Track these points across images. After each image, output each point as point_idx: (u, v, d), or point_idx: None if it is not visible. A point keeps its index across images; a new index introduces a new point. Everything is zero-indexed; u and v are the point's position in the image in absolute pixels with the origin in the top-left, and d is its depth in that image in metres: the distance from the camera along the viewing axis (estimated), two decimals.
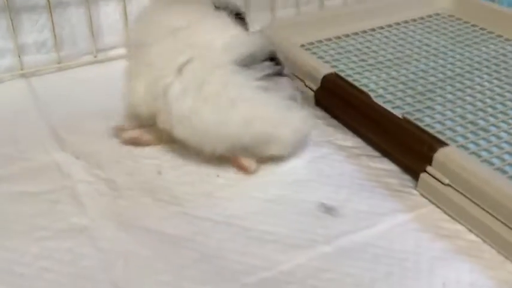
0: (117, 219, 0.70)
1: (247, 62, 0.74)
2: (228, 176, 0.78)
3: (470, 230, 0.69)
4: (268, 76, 0.74)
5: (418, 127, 0.80)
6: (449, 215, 0.71)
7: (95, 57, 1.05)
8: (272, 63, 0.76)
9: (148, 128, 0.82)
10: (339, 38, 1.13)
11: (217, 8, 0.79)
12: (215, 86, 0.72)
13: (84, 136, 0.85)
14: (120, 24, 1.06)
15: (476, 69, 1.02)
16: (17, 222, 0.69)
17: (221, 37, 0.75)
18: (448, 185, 0.72)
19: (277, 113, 0.75)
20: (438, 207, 0.73)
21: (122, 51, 1.07)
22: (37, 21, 1.01)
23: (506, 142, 0.81)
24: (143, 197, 0.74)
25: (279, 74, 0.77)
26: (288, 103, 0.76)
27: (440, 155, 0.73)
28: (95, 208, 0.72)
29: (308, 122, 0.79)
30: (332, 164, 0.81)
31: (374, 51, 1.08)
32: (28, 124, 0.88)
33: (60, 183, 0.76)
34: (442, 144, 0.75)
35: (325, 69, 0.94)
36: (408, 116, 0.84)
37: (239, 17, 0.80)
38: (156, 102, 0.75)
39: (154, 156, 0.82)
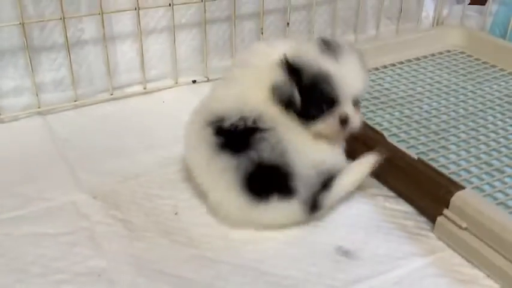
0: (134, 262, 0.70)
1: None
2: None
3: (488, 276, 0.69)
4: None
5: (433, 169, 0.80)
6: (467, 260, 0.71)
7: (111, 94, 1.07)
8: None
9: None
10: None
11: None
12: None
13: (101, 175, 0.86)
14: (136, 62, 1.08)
15: (489, 107, 1.02)
16: (36, 264, 0.70)
17: None
18: (465, 229, 0.72)
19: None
20: (456, 251, 0.73)
21: (137, 88, 1.10)
22: (55, 60, 1.03)
23: None
24: (160, 239, 0.74)
25: None
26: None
27: (457, 198, 0.73)
28: (113, 250, 0.72)
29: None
30: (349, 205, 0.81)
31: (386, 89, 1.09)
32: (45, 163, 0.89)
33: (78, 224, 0.76)
34: (459, 187, 0.75)
35: None
36: (422, 156, 0.85)
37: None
38: None
39: (171, 196, 0.82)
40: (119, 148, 0.93)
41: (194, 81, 1.14)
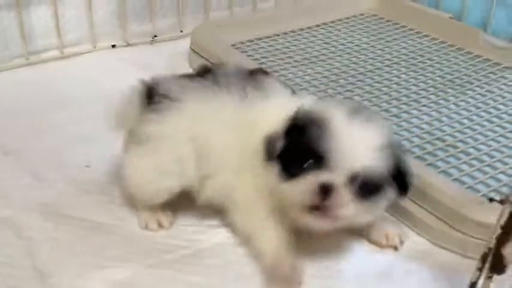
0: (42, 209, 0.72)
1: None
2: None
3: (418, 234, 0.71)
4: None
5: None
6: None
7: (27, 59, 1.07)
8: None
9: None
10: (268, 37, 1.18)
11: None
12: None
13: (13, 134, 0.87)
14: (52, 27, 1.08)
15: (395, 63, 1.08)
16: None
17: None
18: None
19: None
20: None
21: (54, 53, 1.10)
22: None
23: (416, 127, 0.88)
24: (70, 188, 0.76)
25: None
26: None
27: None
28: (20, 199, 0.73)
29: None
30: None
31: (301, 49, 1.14)
32: None
33: None
34: None
35: (251, 65, 0.98)
36: None
37: None
38: None
39: (83, 152, 0.84)
40: (33, 109, 0.94)
41: (113, 46, 1.15)
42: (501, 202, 0.49)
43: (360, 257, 0.67)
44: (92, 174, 0.79)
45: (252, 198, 0.62)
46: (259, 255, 0.63)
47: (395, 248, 0.68)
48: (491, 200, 0.51)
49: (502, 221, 0.49)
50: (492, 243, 0.50)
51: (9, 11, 1.05)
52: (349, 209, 0.56)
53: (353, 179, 0.55)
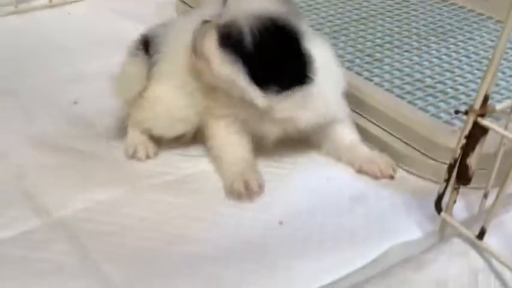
0: (29, 140, 0.74)
1: None
2: None
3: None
4: None
5: None
6: None
7: (16, 7, 1.08)
8: None
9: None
10: None
11: None
12: None
13: (4, 74, 0.89)
14: None
15: (380, 13, 1.09)
16: None
17: None
18: None
19: None
20: None
21: (42, 2, 1.11)
22: None
23: (397, 70, 0.89)
24: (58, 121, 0.78)
25: None
26: None
27: None
28: (11, 133, 0.76)
29: None
30: None
31: None
32: None
33: None
34: None
35: None
36: None
37: None
38: None
39: (71, 90, 0.86)
40: (22, 53, 0.96)
41: None
42: (465, 113, 0.51)
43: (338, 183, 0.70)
44: (80, 110, 0.81)
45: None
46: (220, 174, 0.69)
47: (392, 177, 0.70)
48: (457, 112, 0.53)
49: (466, 131, 0.51)
50: (457, 153, 0.52)
51: None
52: (211, 50, 0.63)
53: (221, 28, 0.62)
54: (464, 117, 0.52)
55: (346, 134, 0.73)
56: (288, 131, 0.69)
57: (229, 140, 0.69)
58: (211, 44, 0.63)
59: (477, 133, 0.51)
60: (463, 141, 0.52)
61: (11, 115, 0.80)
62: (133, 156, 0.72)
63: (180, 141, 0.73)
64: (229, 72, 0.62)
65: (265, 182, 0.68)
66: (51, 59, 0.94)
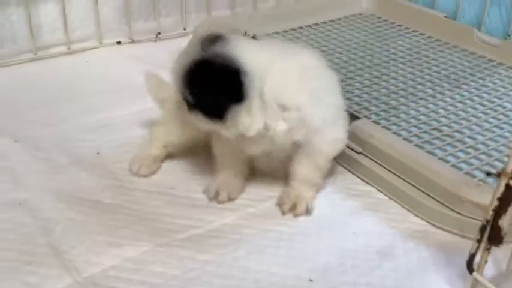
0: (55, 192, 0.74)
1: None
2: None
3: (379, 190, 0.78)
4: None
5: None
6: (361, 179, 0.80)
7: (35, 54, 1.09)
8: None
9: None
10: (268, 35, 1.22)
11: None
12: None
13: (23, 123, 0.89)
14: (59, 23, 1.11)
15: (392, 59, 1.12)
16: None
17: None
18: (360, 153, 0.81)
19: None
20: (353, 173, 0.81)
21: (61, 48, 1.12)
22: None
23: (414, 118, 0.91)
24: (81, 173, 0.79)
25: None
26: None
27: (353, 127, 0.82)
28: (33, 183, 0.76)
29: None
30: None
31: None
32: None
33: None
34: (355, 118, 0.84)
35: None
36: None
37: None
38: None
39: (93, 140, 0.86)
40: (42, 101, 0.97)
41: (119, 42, 1.18)
42: (498, 175, 0.52)
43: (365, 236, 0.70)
44: (102, 160, 0.82)
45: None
46: None
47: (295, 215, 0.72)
48: (488, 174, 0.54)
49: (499, 193, 0.52)
50: (490, 215, 0.53)
51: (18, 7, 1.07)
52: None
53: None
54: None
55: (304, 171, 0.73)
56: (270, 149, 0.70)
57: (223, 151, 0.75)
58: None
59: (509, 195, 0.51)
60: (496, 203, 0.52)
61: (31, 164, 0.80)
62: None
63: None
64: (196, 119, 0.68)
65: (293, 235, 0.68)
66: (71, 107, 0.95)
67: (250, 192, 0.76)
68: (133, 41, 1.19)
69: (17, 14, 1.08)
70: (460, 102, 0.96)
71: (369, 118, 0.90)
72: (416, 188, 0.75)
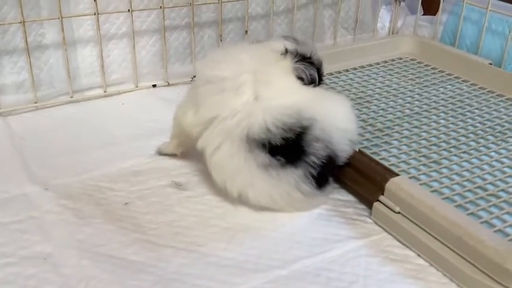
0: (80, 246, 0.73)
1: None
2: (191, 207, 0.82)
3: (418, 255, 0.73)
4: None
5: (372, 159, 0.85)
6: (399, 241, 0.75)
7: (71, 97, 1.10)
8: None
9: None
10: None
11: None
12: None
13: (54, 170, 0.89)
14: (96, 67, 1.12)
15: (434, 108, 1.07)
16: None
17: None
18: (398, 212, 0.76)
19: None
20: (390, 234, 0.77)
21: (98, 91, 1.13)
22: (16, 63, 1.06)
23: (456, 174, 0.86)
24: (108, 225, 0.77)
25: None
26: None
27: (391, 184, 0.78)
28: (59, 236, 0.74)
29: None
30: None
31: (339, 92, 1.14)
32: (1, 159, 0.92)
33: (28, 214, 0.79)
34: (394, 174, 0.80)
35: None
36: (365, 150, 0.89)
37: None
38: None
39: (122, 189, 0.85)
40: (75, 146, 0.96)
41: (154, 86, 1.17)
42: None
43: None
44: (130, 211, 0.80)
45: None
46: None
47: None
48: None
49: None
50: None
51: (56, 50, 1.09)
52: None
53: None
54: None
55: None
56: None
57: None
58: None
59: None
60: None
61: (59, 214, 0.79)
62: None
63: None
64: None
65: None
66: (102, 152, 0.95)
67: (277, 252, 0.73)
68: (168, 84, 1.18)
69: (55, 57, 1.09)
70: (506, 157, 0.91)
71: (408, 173, 0.85)
72: (459, 255, 0.70)
